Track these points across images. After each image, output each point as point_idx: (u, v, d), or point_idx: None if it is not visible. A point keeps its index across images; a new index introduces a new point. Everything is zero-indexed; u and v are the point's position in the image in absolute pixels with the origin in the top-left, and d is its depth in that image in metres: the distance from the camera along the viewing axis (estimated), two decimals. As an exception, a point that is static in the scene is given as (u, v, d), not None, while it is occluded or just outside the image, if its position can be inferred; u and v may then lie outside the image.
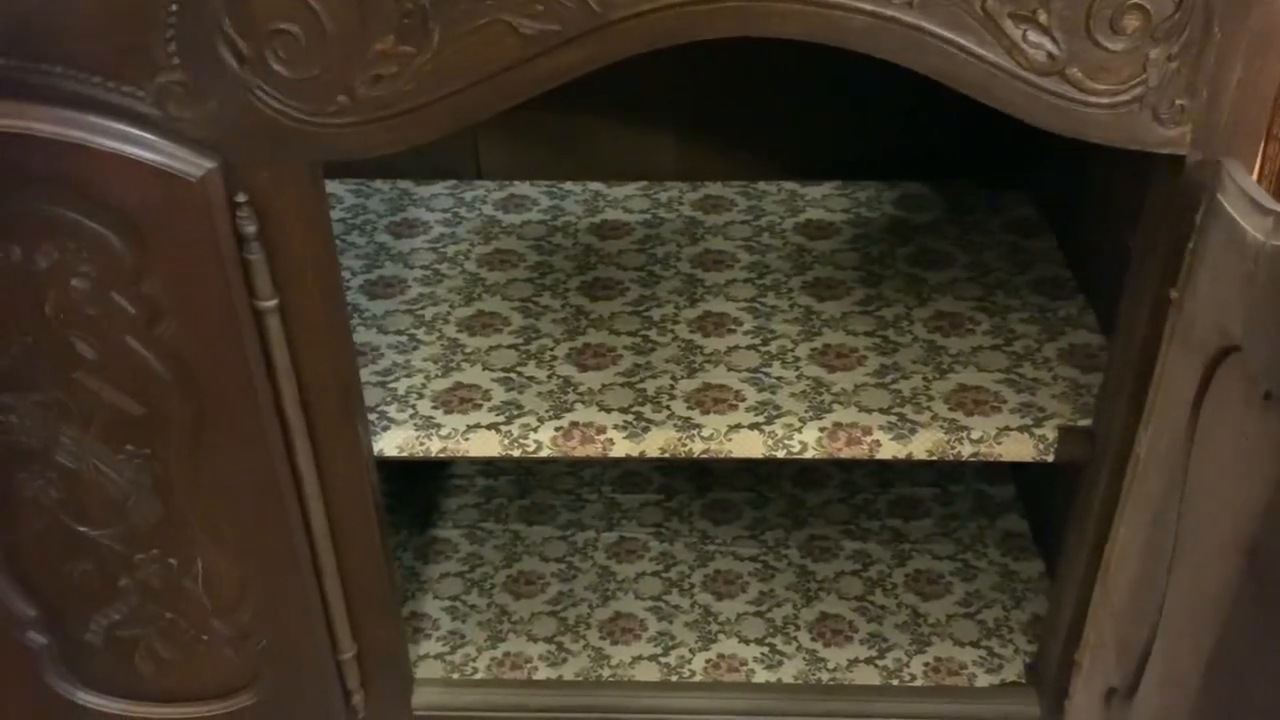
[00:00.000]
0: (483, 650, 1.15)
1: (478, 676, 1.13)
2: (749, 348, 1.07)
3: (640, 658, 1.14)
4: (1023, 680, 1.10)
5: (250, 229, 0.79)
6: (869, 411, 0.99)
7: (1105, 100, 0.75)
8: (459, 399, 1.01)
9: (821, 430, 0.97)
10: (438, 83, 0.74)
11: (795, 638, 1.16)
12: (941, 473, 1.34)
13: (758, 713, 1.10)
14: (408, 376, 1.04)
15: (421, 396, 1.02)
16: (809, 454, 0.97)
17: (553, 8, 0.72)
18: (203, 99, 0.74)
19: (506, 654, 1.15)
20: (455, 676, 1.13)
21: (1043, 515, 1.24)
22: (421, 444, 0.98)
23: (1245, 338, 0.71)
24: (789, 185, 1.31)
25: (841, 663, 1.13)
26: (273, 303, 0.82)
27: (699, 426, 0.98)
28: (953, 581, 1.22)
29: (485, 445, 0.98)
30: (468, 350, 1.08)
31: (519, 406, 1.00)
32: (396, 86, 0.74)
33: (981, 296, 1.13)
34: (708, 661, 1.14)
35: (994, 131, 1.00)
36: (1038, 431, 0.96)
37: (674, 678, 1.12)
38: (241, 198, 0.78)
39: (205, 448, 0.89)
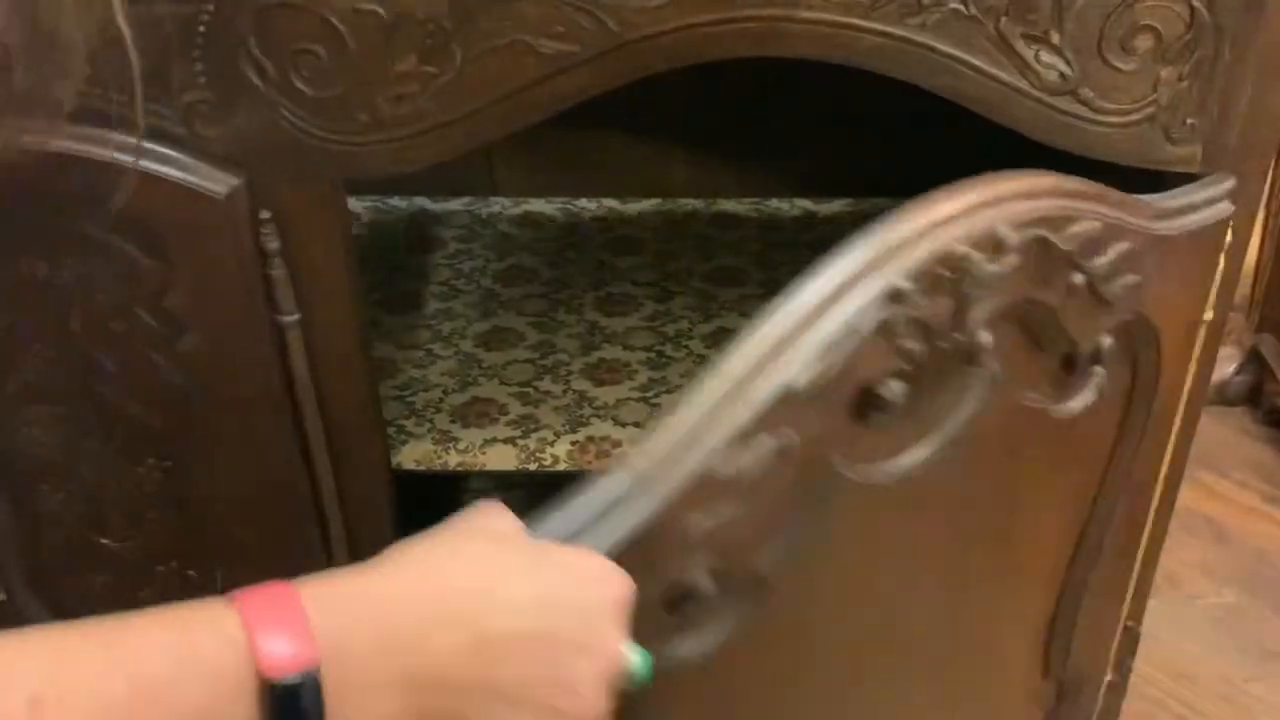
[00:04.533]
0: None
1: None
2: (763, 363, 1.08)
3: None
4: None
5: (273, 245, 0.80)
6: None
7: (1117, 119, 0.76)
8: (476, 413, 1.02)
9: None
10: (458, 102, 0.75)
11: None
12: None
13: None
14: (425, 391, 1.05)
15: (439, 411, 1.03)
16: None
17: (572, 28, 0.73)
18: (228, 117, 0.76)
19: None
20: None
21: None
22: (439, 458, 0.99)
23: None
24: (802, 202, 1.32)
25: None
26: (294, 318, 0.83)
27: (713, 441, 0.98)
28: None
29: (502, 459, 0.99)
30: (484, 365, 1.09)
31: (536, 421, 1.01)
32: (418, 105, 0.75)
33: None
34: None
35: (1007, 148, 1.00)
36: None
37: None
38: (265, 214, 0.79)
39: (225, 461, 0.90)
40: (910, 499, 0.71)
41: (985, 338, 0.67)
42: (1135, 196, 0.75)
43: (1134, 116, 0.76)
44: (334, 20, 0.72)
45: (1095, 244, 0.72)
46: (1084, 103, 0.76)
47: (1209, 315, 0.84)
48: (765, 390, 0.59)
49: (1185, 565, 1.67)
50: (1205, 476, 1.82)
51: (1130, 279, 0.74)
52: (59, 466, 0.91)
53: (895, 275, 0.63)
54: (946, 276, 0.65)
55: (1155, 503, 0.93)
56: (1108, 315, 0.75)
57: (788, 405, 0.59)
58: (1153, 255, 0.76)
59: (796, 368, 0.60)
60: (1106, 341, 0.76)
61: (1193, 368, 0.85)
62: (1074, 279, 0.71)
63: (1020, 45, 0.74)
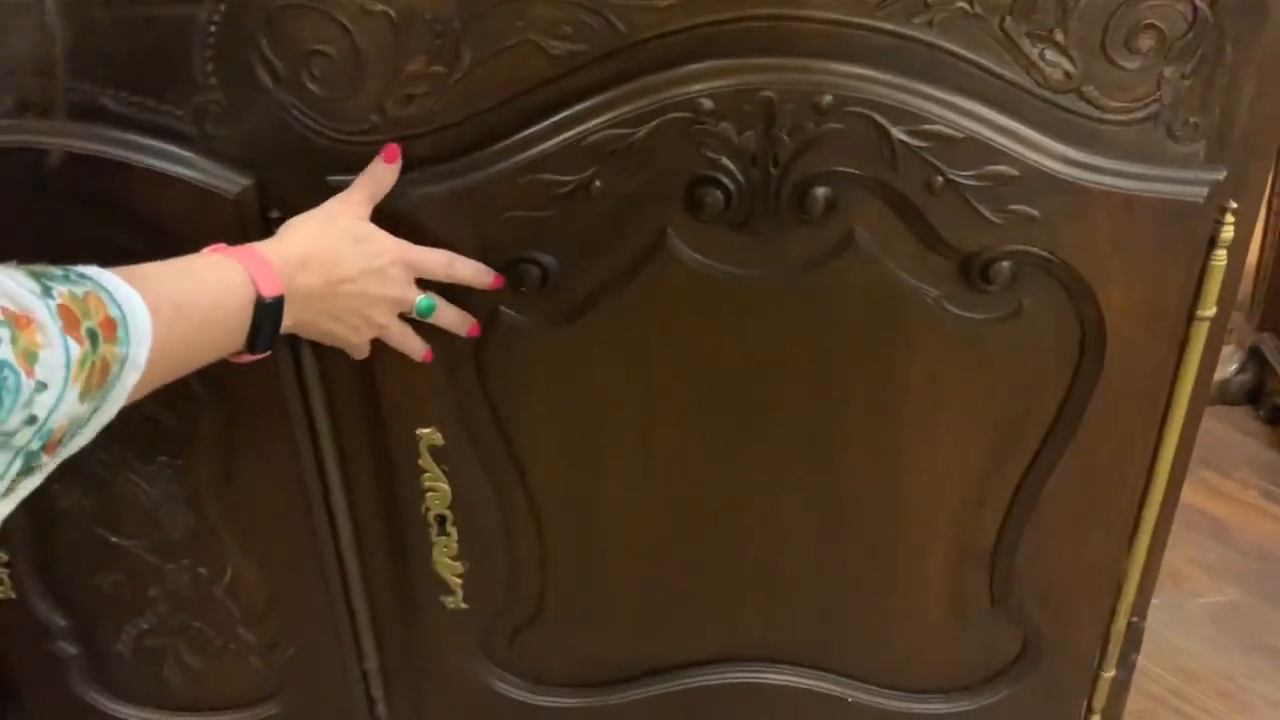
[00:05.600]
0: (504, 661, 1.17)
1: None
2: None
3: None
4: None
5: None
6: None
7: (1121, 117, 0.77)
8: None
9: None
10: (467, 102, 0.76)
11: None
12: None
13: None
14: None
15: (446, 409, 1.03)
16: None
17: (580, 29, 0.74)
18: (239, 118, 0.76)
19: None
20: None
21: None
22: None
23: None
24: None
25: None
26: (304, 316, 0.84)
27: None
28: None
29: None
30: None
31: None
32: (427, 106, 0.76)
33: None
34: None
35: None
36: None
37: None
38: (275, 214, 0.79)
39: (236, 458, 0.90)
40: (757, 308, 0.85)
41: (820, 191, 0.78)
42: (1047, 139, 0.77)
43: (1138, 114, 0.77)
44: (344, 20, 0.73)
45: (958, 153, 0.76)
46: (1088, 100, 0.76)
47: (1210, 312, 0.84)
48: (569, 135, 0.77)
49: (1187, 563, 1.68)
50: (1207, 475, 1.83)
51: (1019, 208, 0.78)
52: (71, 465, 0.91)
53: (697, 91, 0.75)
54: (748, 110, 0.75)
55: (1159, 498, 0.94)
56: (991, 234, 0.79)
57: (587, 155, 0.77)
58: (1062, 199, 0.78)
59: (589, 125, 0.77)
60: (1004, 265, 0.81)
61: (1192, 363, 0.86)
62: (934, 179, 0.77)
63: (1025, 44, 0.74)
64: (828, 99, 0.75)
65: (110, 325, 0.61)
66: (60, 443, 0.61)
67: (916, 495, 0.93)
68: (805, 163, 0.77)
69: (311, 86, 0.75)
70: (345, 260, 0.76)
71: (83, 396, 0.60)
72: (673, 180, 0.79)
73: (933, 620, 1.01)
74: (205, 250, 0.73)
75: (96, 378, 0.61)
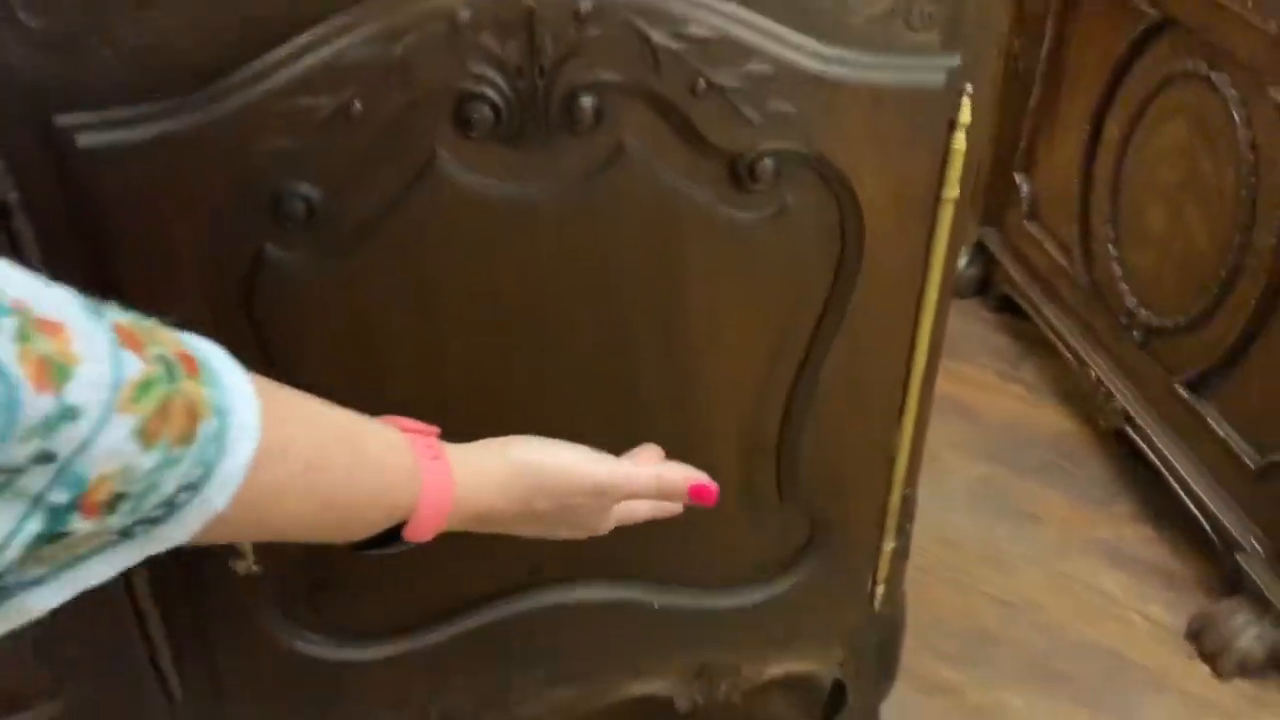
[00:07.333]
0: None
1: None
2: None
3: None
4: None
5: (11, 196, 0.73)
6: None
7: (863, 11, 0.80)
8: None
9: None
10: (201, 27, 0.71)
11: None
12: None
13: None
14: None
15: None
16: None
17: None
18: (-58, 57, 0.69)
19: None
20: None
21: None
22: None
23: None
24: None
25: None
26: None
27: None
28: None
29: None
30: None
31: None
32: (158, 25, 0.70)
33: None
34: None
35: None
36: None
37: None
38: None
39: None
40: (537, 224, 0.84)
41: (586, 101, 0.78)
42: (797, 35, 0.80)
43: (878, 7, 0.80)
44: (55, -59, 0.67)
45: (716, 54, 0.78)
46: (831, -2, 0.79)
47: (953, 193, 0.90)
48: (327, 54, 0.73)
49: (941, 445, 1.81)
50: (949, 363, 1.95)
51: (777, 106, 0.81)
52: None
53: (453, 1, 0.73)
54: (508, 20, 0.74)
55: (920, 376, 1.00)
56: (753, 133, 0.82)
57: (343, 75, 0.73)
58: (818, 95, 0.81)
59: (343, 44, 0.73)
60: (767, 163, 0.83)
61: (940, 245, 0.91)
62: (696, 82, 0.78)
63: (770, -59, 0.76)
64: (586, 5, 0.74)
65: (189, 362, 0.47)
66: (108, 505, 0.44)
67: (705, 397, 0.96)
68: (570, 72, 0.77)
69: (24, 17, 0.68)
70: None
71: (144, 440, 0.44)
72: (438, 98, 0.76)
73: (726, 518, 1.04)
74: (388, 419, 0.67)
75: (177, 421, 0.45)
